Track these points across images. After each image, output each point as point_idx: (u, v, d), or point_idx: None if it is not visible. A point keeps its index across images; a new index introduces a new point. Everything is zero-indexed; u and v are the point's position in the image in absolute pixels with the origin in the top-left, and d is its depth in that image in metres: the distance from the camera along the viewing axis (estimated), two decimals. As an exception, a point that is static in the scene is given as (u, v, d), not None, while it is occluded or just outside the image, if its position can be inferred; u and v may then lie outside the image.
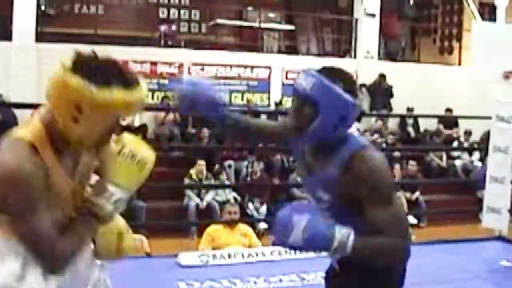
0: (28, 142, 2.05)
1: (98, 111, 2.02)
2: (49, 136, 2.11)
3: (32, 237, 2.06)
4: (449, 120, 15.03)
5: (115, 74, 2.05)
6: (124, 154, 2.22)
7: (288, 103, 14.17)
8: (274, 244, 2.45)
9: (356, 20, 15.38)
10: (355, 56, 15.36)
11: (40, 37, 12.81)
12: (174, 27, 15.20)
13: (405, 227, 2.56)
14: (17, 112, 11.95)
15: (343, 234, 2.34)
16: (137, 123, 12.75)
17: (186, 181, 11.21)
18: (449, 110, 14.24)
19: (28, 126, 2.11)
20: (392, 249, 2.42)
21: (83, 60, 2.04)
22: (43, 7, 13.63)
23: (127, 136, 2.27)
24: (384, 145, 13.00)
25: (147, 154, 2.26)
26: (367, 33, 15.15)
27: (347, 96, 2.41)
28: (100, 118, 2.06)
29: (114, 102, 2.02)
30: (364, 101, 14.57)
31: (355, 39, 15.42)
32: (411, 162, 12.78)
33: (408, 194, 12.04)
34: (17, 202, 2.02)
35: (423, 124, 15.27)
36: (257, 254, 5.86)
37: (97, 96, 1.99)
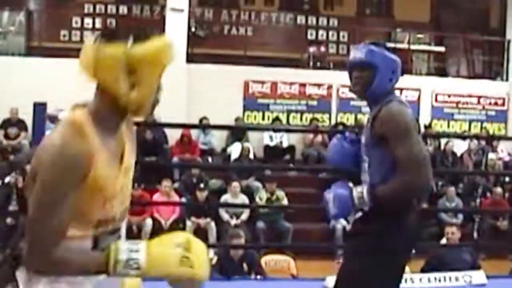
0: (80, 124, 2.01)
1: (147, 64, 2.08)
2: (94, 123, 2.06)
3: (36, 227, 1.96)
4: None
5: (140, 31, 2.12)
6: (182, 249, 1.99)
7: (437, 126, 13.87)
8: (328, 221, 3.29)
9: (509, 41, 14.93)
10: (506, 79, 14.85)
11: (191, 58, 13.16)
12: (322, 49, 15.22)
13: (423, 165, 3.05)
14: (168, 131, 12.29)
15: (358, 191, 3.14)
16: (285, 144, 12.84)
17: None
18: None
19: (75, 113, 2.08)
20: (405, 187, 3.06)
21: (109, 31, 2.13)
22: (193, 29, 14.02)
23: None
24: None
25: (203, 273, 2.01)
26: (520, 54, 14.64)
27: (392, 55, 3.28)
28: (150, 71, 2.11)
29: (155, 49, 2.10)
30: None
31: (507, 61, 14.93)
32: None
33: None
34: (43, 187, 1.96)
35: None
36: (405, 281, 5.72)
37: (140, 49, 2.05)
